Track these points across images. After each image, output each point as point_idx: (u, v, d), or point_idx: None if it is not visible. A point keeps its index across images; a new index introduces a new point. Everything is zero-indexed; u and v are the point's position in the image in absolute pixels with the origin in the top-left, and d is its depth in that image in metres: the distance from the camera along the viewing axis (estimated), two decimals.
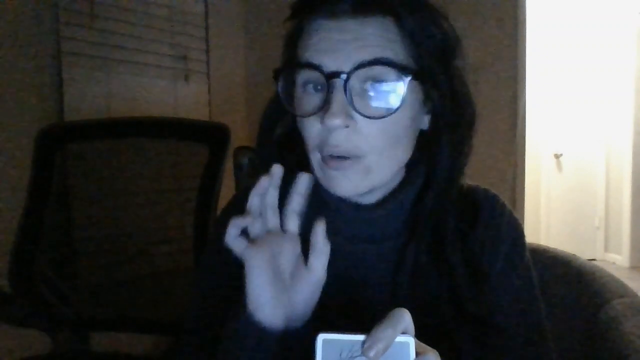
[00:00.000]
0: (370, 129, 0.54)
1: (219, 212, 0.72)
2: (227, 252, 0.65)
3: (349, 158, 0.55)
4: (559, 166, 4.70)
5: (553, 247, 0.89)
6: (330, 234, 0.62)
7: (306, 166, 0.64)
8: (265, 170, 0.67)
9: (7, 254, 1.25)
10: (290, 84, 0.57)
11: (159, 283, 1.38)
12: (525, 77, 2.11)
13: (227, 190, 1.13)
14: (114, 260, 1.40)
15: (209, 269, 0.66)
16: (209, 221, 1.20)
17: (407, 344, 0.39)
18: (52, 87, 1.63)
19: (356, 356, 0.39)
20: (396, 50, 0.54)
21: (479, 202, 0.63)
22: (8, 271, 1.24)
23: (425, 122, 0.60)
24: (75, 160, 1.38)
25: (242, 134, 2.04)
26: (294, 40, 0.59)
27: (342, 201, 0.60)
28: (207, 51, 2.16)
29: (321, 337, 0.40)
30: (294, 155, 0.66)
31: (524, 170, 2.15)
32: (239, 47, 2.32)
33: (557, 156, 4.67)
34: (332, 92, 0.53)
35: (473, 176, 0.65)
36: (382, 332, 0.38)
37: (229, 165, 1.27)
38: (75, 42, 1.68)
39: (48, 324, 1.27)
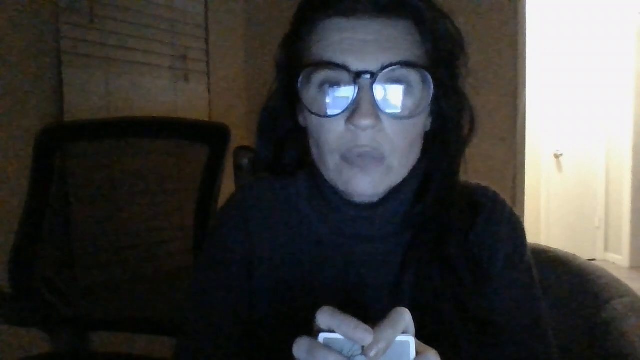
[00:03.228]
0: (394, 130, 0.54)
1: None
2: (226, 250, 0.65)
3: (372, 159, 0.55)
4: (559, 166, 4.70)
5: (553, 247, 0.89)
6: (331, 233, 0.62)
7: (307, 165, 0.64)
8: (264, 169, 0.67)
9: (7, 254, 1.25)
10: (306, 84, 0.56)
11: (159, 283, 1.37)
12: (525, 77, 2.11)
13: (227, 190, 1.13)
14: (114, 260, 1.40)
15: (208, 266, 0.66)
16: (209, 221, 1.20)
17: (407, 344, 0.39)
18: (52, 87, 1.63)
19: (356, 355, 0.39)
20: (417, 52, 0.55)
21: (479, 200, 0.63)
22: (8, 271, 1.24)
23: (428, 124, 0.61)
24: (75, 160, 1.38)
25: (242, 134, 2.04)
26: (300, 39, 0.58)
27: (342, 200, 0.60)
28: (207, 51, 2.16)
29: (322, 337, 0.40)
30: (293, 154, 0.66)
31: (524, 170, 2.15)
32: (239, 47, 2.32)
33: (557, 156, 4.67)
34: (360, 93, 0.52)
35: (473, 176, 0.65)
36: (383, 331, 0.38)
37: (229, 165, 1.27)
38: (75, 42, 1.68)
39: (48, 324, 1.27)
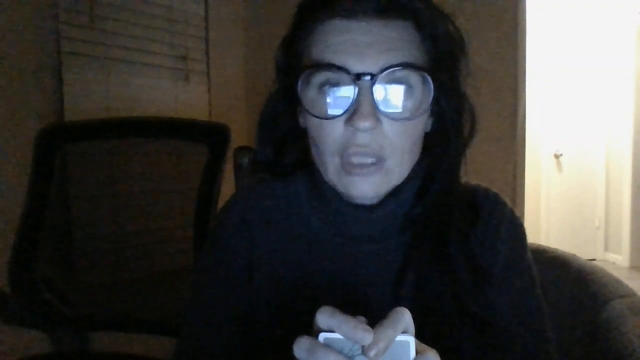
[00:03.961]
0: (394, 131, 0.54)
1: None
2: (226, 251, 0.65)
3: (371, 165, 0.55)
4: (559, 166, 4.70)
5: (553, 247, 0.89)
6: (331, 234, 0.62)
7: (306, 166, 0.64)
8: (264, 170, 0.67)
9: (7, 254, 1.25)
10: (306, 85, 0.56)
11: (159, 283, 1.38)
12: (525, 77, 2.11)
13: (227, 190, 1.13)
14: (114, 260, 1.40)
15: (208, 267, 0.66)
16: (209, 221, 1.20)
17: (407, 343, 0.39)
18: (52, 87, 1.63)
19: (357, 355, 0.39)
20: (416, 54, 0.55)
21: (480, 201, 0.64)
22: (8, 271, 1.24)
23: (429, 124, 0.61)
24: (75, 160, 1.38)
25: (242, 134, 2.04)
26: (299, 40, 0.58)
27: (342, 201, 0.60)
28: (207, 51, 2.16)
29: (322, 337, 0.40)
30: (293, 154, 0.66)
31: (524, 170, 2.15)
32: (239, 47, 2.32)
33: (557, 156, 4.67)
34: (360, 94, 0.52)
35: (473, 176, 0.65)
36: (383, 331, 0.38)
37: (229, 165, 1.27)
38: (75, 42, 1.68)
39: (48, 324, 1.27)
